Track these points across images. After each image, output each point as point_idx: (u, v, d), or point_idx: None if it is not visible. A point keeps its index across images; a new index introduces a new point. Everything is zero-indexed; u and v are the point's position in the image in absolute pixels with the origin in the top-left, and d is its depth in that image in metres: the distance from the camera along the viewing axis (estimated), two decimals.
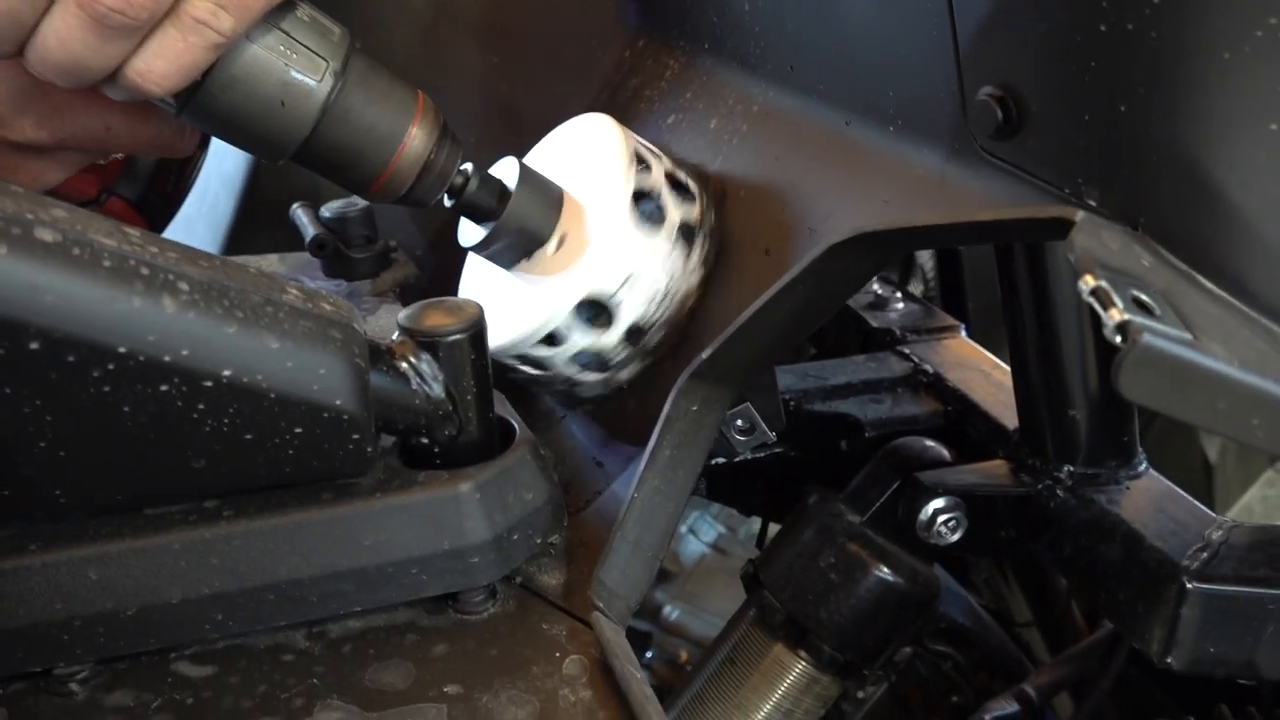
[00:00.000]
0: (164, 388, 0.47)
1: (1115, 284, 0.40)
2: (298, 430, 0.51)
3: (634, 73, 0.86)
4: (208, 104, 0.59)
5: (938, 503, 0.66)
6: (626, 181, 0.68)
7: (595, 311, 0.68)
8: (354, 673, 0.53)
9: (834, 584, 0.67)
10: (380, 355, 0.55)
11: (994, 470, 0.70)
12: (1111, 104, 0.47)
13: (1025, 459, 0.69)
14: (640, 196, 0.68)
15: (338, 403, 0.51)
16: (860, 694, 0.77)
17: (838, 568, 0.68)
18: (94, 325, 0.45)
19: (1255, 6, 0.42)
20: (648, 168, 0.69)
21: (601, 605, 0.57)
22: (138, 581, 0.51)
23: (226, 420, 0.50)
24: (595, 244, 0.66)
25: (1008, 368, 0.77)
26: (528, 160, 0.72)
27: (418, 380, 0.56)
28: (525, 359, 0.69)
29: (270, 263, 0.89)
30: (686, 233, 0.70)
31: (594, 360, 0.70)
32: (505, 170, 0.69)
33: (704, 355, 0.60)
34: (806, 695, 0.70)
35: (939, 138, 0.58)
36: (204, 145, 0.88)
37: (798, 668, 0.70)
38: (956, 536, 0.66)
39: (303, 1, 0.60)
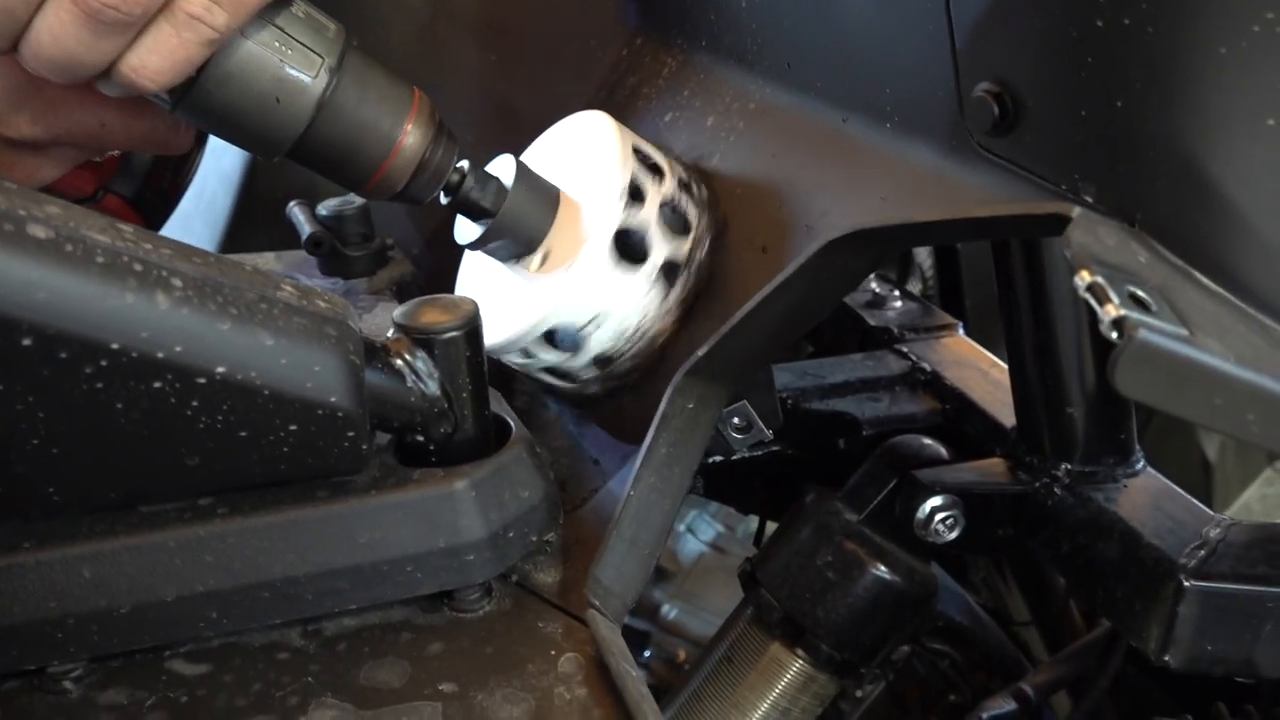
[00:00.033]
0: (157, 384, 0.47)
1: (1111, 280, 0.40)
2: (292, 427, 0.51)
3: (631, 71, 0.86)
4: (202, 100, 0.59)
5: (935, 501, 0.66)
6: (611, 218, 0.65)
7: (563, 338, 0.67)
8: (349, 671, 0.53)
9: (831, 582, 0.67)
10: (375, 352, 0.55)
11: (991, 468, 0.70)
12: (1108, 100, 0.47)
13: (1023, 457, 0.69)
14: (624, 234, 0.66)
15: (332, 400, 0.51)
16: (858, 693, 0.77)
17: (835, 566, 0.67)
18: (87, 321, 0.45)
19: (1251, 1, 0.41)
20: (641, 199, 0.67)
21: (597, 603, 0.57)
22: (132, 579, 0.51)
23: (220, 417, 0.49)
24: (568, 278, 0.65)
25: (1005, 366, 0.77)
26: (524, 157, 0.72)
27: (413, 377, 0.56)
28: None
29: (266, 260, 0.89)
30: (669, 271, 0.67)
31: (565, 375, 0.70)
32: (502, 168, 0.68)
33: (700, 352, 0.59)
34: (804, 694, 0.70)
35: (936, 134, 0.58)
36: (201, 143, 0.88)
37: (795, 666, 0.69)
38: (954, 535, 0.66)
39: None
